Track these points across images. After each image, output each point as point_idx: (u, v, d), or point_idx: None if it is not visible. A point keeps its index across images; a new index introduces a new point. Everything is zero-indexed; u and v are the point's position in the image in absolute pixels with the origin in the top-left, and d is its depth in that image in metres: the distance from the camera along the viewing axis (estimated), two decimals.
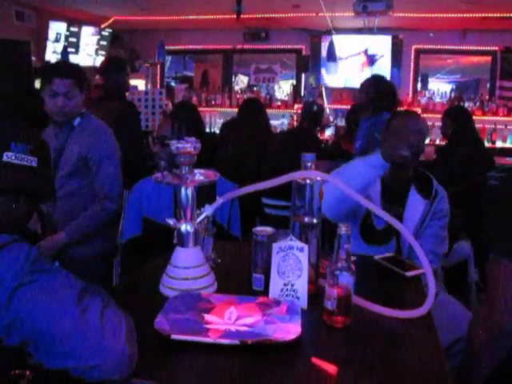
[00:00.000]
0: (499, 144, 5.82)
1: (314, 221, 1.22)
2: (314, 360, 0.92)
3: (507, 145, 5.83)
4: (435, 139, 6.09)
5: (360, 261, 1.49)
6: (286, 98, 6.63)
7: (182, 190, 1.18)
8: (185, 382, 0.88)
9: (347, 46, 6.16)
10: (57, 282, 0.88)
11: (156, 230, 2.09)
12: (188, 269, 1.19)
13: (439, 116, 5.94)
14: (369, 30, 6.07)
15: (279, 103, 6.53)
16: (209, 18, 5.80)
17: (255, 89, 6.72)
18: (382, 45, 6.14)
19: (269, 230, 1.23)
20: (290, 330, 0.99)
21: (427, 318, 1.14)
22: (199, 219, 1.22)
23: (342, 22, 5.77)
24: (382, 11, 4.11)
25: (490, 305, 1.10)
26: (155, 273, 1.37)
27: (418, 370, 0.94)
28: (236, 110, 5.75)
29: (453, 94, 6.30)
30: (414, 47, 6.20)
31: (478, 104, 5.96)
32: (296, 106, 6.33)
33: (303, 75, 6.61)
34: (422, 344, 1.05)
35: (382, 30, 6.00)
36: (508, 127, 5.81)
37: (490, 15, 5.25)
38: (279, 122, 6.51)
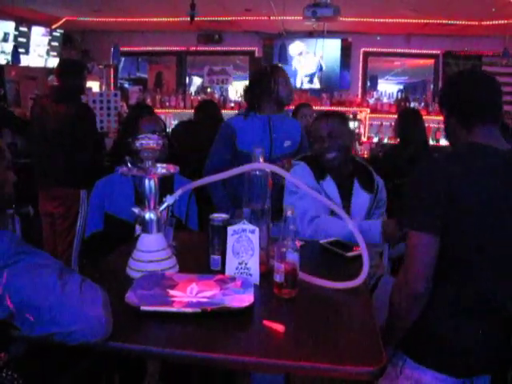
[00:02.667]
0: (443, 142, 6.22)
1: (264, 207, 1.38)
2: (265, 322, 1.08)
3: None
4: (383, 138, 6.42)
5: (307, 245, 1.67)
6: (240, 99, 6.79)
7: (146, 181, 1.31)
8: (154, 345, 1.01)
9: (297, 48, 6.40)
10: (39, 261, 0.99)
11: (117, 225, 2.20)
12: (152, 252, 1.32)
13: (387, 116, 6.37)
14: (319, 34, 6.33)
15: (233, 104, 6.67)
16: (162, 20, 5.87)
17: (209, 90, 6.84)
18: (331, 47, 6.41)
19: (224, 216, 1.38)
20: (244, 299, 1.14)
21: (363, 289, 1.32)
22: (161, 208, 1.35)
23: (293, 25, 6.00)
24: (330, 17, 4.32)
25: (406, 273, 1.29)
26: (118, 260, 1.50)
27: (352, 329, 1.11)
28: (190, 111, 5.86)
29: (399, 95, 6.66)
30: (362, 50, 6.51)
31: (422, 104, 6.33)
32: None
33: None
34: (356, 309, 1.23)
35: (331, 34, 6.27)
36: None
37: (431, 21, 5.61)
38: None
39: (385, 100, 6.67)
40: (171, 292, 1.17)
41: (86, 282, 1.01)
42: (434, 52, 6.38)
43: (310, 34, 6.39)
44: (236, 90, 6.85)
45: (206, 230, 2.38)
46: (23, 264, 0.96)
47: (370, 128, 6.54)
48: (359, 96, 6.60)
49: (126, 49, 6.47)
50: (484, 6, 4.79)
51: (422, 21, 5.64)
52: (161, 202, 1.33)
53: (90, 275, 1.39)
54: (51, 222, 3.30)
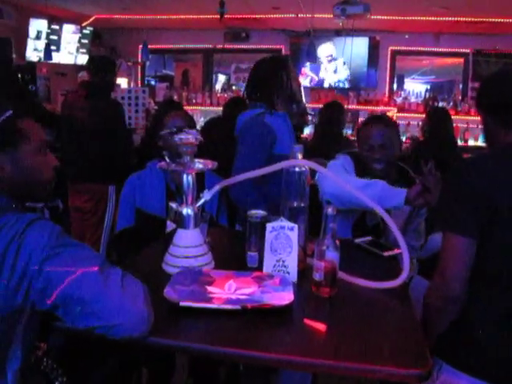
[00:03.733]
0: (471, 142, 6.09)
1: (302, 205, 1.36)
2: (306, 320, 1.06)
3: (479, 143, 6.09)
4: (410, 137, 6.32)
5: (342, 243, 1.65)
6: None
7: (184, 176, 1.31)
8: (194, 341, 1.01)
9: (327, 50, 6.36)
10: (80, 253, 0.99)
11: (148, 220, 2.21)
12: (188, 248, 1.32)
13: (415, 115, 6.27)
14: (347, 32, 6.27)
15: None
16: (190, 17, 5.90)
17: (234, 88, 6.84)
18: (359, 46, 6.34)
19: (261, 212, 1.36)
20: (284, 297, 1.13)
21: (402, 290, 1.29)
22: (199, 203, 1.34)
23: (321, 23, 5.95)
24: (360, 14, 4.27)
25: (442, 275, 1.25)
26: (153, 254, 1.50)
27: (395, 330, 1.09)
28: (217, 108, 5.88)
29: (427, 94, 6.55)
30: (390, 48, 6.41)
31: (451, 104, 6.21)
32: None
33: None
34: (396, 309, 1.20)
35: (359, 32, 6.20)
36: (480, 127, 6.05)
37: (461, 19, 5.49)
38: None
39: (412, 99, 6.58)
40: (209, 288, 1.17)
41: (126, 276, 1.01)
42: (463, 51, 6.25)
43: (338, 33, 6.33)
44: None
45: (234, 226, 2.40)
46: (64, 256, 0.96)
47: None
48: (386, 95, 6.51)
49: (153, 46, 6.51)
50: None
51: (452, 18, 5.52)
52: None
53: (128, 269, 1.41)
54: (80, 216, 3.34)
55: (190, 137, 1.25)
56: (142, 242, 2.17)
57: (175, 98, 6.46)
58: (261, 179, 1.92)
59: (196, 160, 1.33)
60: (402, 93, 6.65)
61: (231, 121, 3.85)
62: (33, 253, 0.94)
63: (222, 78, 7.54)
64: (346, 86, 6.48)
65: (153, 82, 7.34)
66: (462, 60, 6.42)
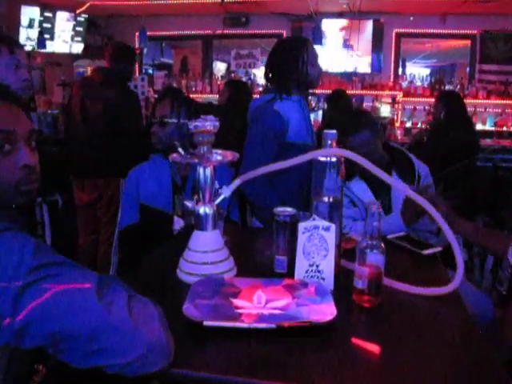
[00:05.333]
0: (479, 127, 5.89)
1: (335, 200, 1.18)
2: (354, 340, 0.89)
3: (487, 127, 5.91)
4: (417, 122, 6.14)
5: None
6: (268, 84, 6.56)
7: (201, 170, 1.13)
8: (223, 371, 0.83)
9: (327, 31, 6.14)
10: (69, 275, 0.77)
11: (153, 216, 2.04)
12: (208, 253, 1.14)
13: (420, 100, 6.08)
14: (351, 14, 6.04)
15: (261, 89, 6.45)
16: (188, 2, 5.66)
17: (232, 75, 6.62)
18: (362, 29, 6.12)
19: (289, 209, 1.18)
20: (324, 311, 0.96)
21: (453, 294, 1.12)
22: (217, 201, 1.17)
23: (324, 5, 5.73)
24: None
25: None
26: (163, 259, 1.32)
27: (458, 344, 0.92)
28: (217, 96, 5.67)
29: (433, 79, 6.35)
30: (394, 31, 6.19)
31: (458, 87, 6.01)
32: None
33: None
34: (454, 321, 1.03)
35: (363, 14, 5.98)
36: (487, 110, 5.90)
37: None
38: None
39: (418, 83, 6.38)
40: (235, 302, 0.99)
41: (133, 297, 0.81)
42: (470, 32, 6.03)
43: (341, 15, 6.11)
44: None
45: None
46: (49, 281, 0.74)
47: (403, 112, 6.25)
48: (391, 79, 6.31)
49: (150, 33, 6.27)
50: None
51: None
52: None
53: (133, 276, 1.24)
54: (90, 212, 3.13)
55: (207, 124, 1.07)
56: (148, 239, 2.01)
57: (174, 86, 6.25)
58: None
59: (213, 151, 1.14)
60: (408, 77, 6.44)
61: (229, 107, 3.68)
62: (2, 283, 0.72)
63: (220, 66, 7.31)
64: (350, 70, 6.27)
65: (150, 71, 7.11)
66: (468, 42, 6.20)
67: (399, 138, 5.68)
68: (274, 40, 6.51)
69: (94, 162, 2.99)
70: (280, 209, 1.19)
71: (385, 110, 6.25)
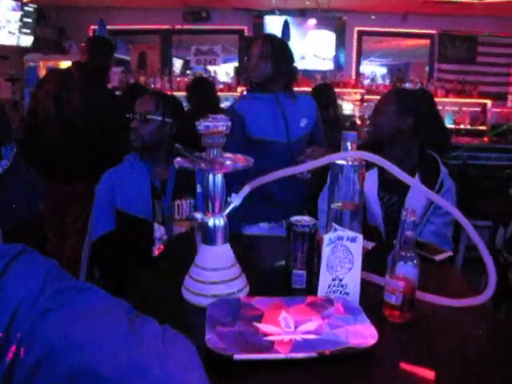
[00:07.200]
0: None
1: (355, 207, 1.08)
2: (404, 366, 0.79)
3: (446, 125, 6.04)
4: None
5: (376, 246, 1.39)
6: (230, 81, 6.43)
7: (210, 176, 0.99)
8: None
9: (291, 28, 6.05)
10: (96, 302, 0.63)
11: (131, 224, 1.87)
12: (219, 271, 1.01)
13: None
14: (313, 11, 6.01)
15: (222, 86, 6.31)
16: None
17: (188, 72, 6.46)
18: (325, 26, 6.11)
19: (307, 219, 1.07)
20: (363, 333, 0.85)
21: (483, 306, 1.05)
22: (227, 210, 1.04)
23: (286, 1, 5.66)
24: None
25: None
26: (158, 275, 1.18)
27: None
28: (177, 93, 5.48)
29: (393, 77, 6.44)
30: (356, 29, 6.22)
31: (418, 86, 6.11)
32: (239, 89, 6.15)
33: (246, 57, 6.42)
34: (490, 334, 0.96)
35: (326, 12, 5.96)
36: (446, 108, 6.03)
37: None
38: (223, 105, 6.30)
39: (380, 81, 6.46)
40: (261, 327, 0.87)
41: (167, 330, 0.65)
42: (429, 32, 6.15)
43: (303, 12, 6.07)
44: (226, 71, 6.50)
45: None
46: (73, 309, 0.60)
47: (361, 110, 6.29)
48: (353, 77, 6.34)
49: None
50: None
51: None
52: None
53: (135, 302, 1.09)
54: (57, 222, 2.87)
55: (219, 124, 0.94)
56: (126, 250, 1.84)
57: (132, 82, 5.99)
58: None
59: (225, 154, 1.01)
60: (369, 75, 6.51)
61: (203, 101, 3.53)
62: (20, 310, 0.58)
63: (176, 63, 7.09)
64: (312, 68, 6.24)
65: None
66: (428, 41, 6.33)
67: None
68: (235, 36, 6.49)
69: (63, 164, 2.74)
70: (297, 217, 1.07)
71: (347, 108, 6.27)
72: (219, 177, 1.00)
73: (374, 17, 6.09)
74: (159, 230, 1.91)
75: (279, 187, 2.03)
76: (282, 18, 5.82)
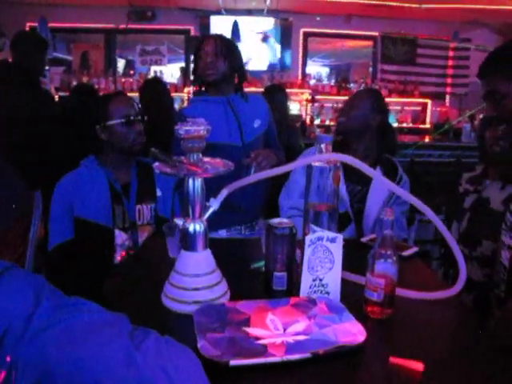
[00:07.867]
0: None
1: (330, 209, 1.11)
2: (393, 359, 0.82)
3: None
4: (324, 120, 6.34)
5: (346, 244, 1.43)
6: (176, 82, 6.35)
7: (190, 181, 0.98)
8: None
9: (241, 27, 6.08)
10: (94, 318, 0.62)
11: (90, 231, 1.81)
12: (200, 276, 0.99)
13: (330, 98, 6.29)
14: (258, 12, 6.05)
15: (168, 87, 6.20)
16: None
17: (132, 72, 6.32)
18: (272, 27, 6.17)
19: (286, 221, 1.08)
20: (351, 331, 0.87)
21: (456, 297, 1.11)
22: (206, 215, 1.02)
23: (232, 2, 5.66)
24: None
25: None
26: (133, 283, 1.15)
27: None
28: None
29: (338, 77, 6.61)
30: (302, 30, 6.32)
31: (362, 86, 6.31)
32: (186, 90, 6.09)
33: (192, 57, 6.36)
34: (464, 323, 1.01)
35: (271, 13, 6.02)
36: (389, 107, 6.24)
37: (372, 2, 5.54)
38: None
39: (325, 81, 6.61)
40: (251, 331, 0.87)
41: (169, 342, 0.64)
42: (372, 34, 6.36)
43: (249, 12, 6.09)
44: (171, 72, 6.41)
45: None
46: (74, 324, 0.59)
47: (311, 110, 6.42)
48: (299, 77, 6.44)
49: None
50: None
51: (361, 1, 5.56)
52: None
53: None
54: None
55: (200, 128, 0.93)
56: (85, 261, 1.76)
57: (74, 83, 5.76)
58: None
59: (204, 159, 1.00)
60: (315, 75, 6.64)
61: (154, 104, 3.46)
62: (10, 330, 0.57)
63: (119, 63, 6.90)
64: (259, 68, 6.29)
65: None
66: (371, 43, 6.54)
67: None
68: (180, 37, 6.40)
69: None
70: (276, 220, 1.08)
71: (294, 108, 6.36)
72: (199, 181, 0.98)
73: (319, 18, 6.22)
74: (120, 236, 1.85)
75: (240, 192, 2.02)
76: (229, 19, 5.86)
